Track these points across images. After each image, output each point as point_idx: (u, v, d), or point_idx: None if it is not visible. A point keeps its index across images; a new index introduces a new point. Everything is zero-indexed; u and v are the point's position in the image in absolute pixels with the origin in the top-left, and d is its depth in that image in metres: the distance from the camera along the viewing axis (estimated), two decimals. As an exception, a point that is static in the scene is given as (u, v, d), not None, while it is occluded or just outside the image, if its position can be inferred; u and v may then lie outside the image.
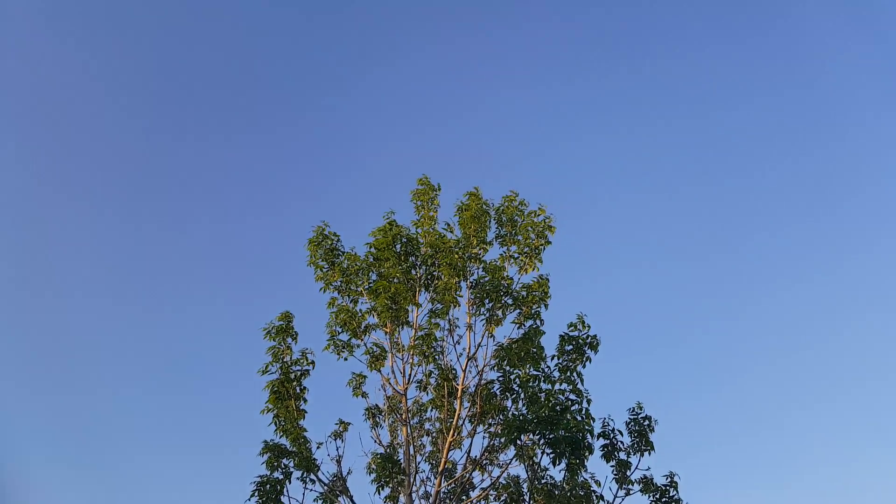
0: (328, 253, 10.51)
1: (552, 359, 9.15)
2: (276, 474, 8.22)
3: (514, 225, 10.31)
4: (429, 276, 10.52)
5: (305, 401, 9.01)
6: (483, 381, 9.34)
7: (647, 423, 8.98)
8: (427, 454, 9.45)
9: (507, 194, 10.56)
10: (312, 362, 9.40)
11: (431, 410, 9.59)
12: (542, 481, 8.41)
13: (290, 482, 8.29)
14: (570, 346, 9.20)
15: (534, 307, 9.75)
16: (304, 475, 8.32)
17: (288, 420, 8.58)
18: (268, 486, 8.15)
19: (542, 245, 10.18)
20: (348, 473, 8.75)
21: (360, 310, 10.12)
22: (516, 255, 10.23)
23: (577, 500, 8.18)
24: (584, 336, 9.22)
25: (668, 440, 9.31)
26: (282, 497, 8.26)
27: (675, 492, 8.45)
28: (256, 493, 8.12)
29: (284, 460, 8.31)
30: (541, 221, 10.24)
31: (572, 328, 9.32)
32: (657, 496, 8.47)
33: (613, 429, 8.91)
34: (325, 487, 8.54)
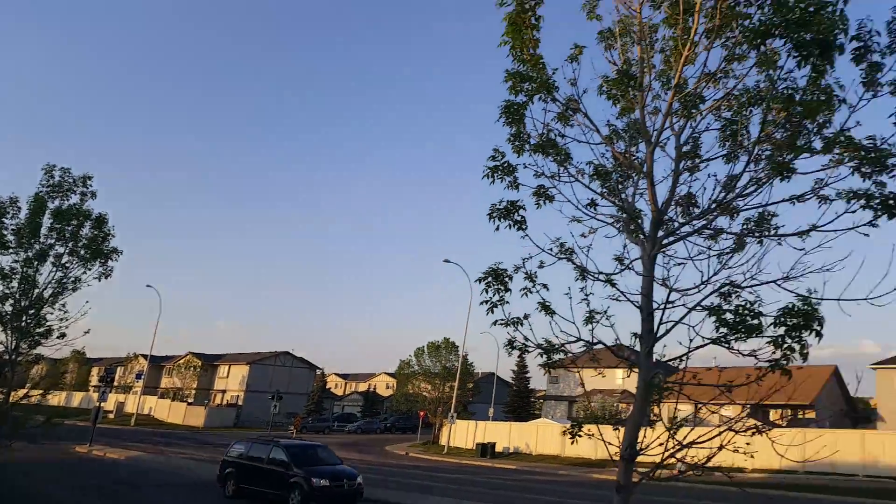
0: None
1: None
2: (519, 97, 9.29)
3: None
4: None
5: (539, 30, 9.39)
6: (723, -9, 8.79)
7: (912, 12, 8.06)
8: (657, 72, 9.67)
9: None
10: (543, -8, 9.51)
11: (663, 30, 9.48)
12: (784, 85, 8.34)
13: (532, 103, 9.20)
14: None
15: None
16: (544, 96, 9.24)
17: (524, 49, 9.20)
18: (512, 108, 9.19)
19: None
20: (583, 93, 9.46)
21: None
22: None
23: (817, 104, 8.19)
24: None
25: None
26: (525, 118, 9.27)
27: (934, 88, 7.96)
28: (503, 115, 9.31)
29: (525, 84, 9.23)
30: None
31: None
32: (911, 96, 8.09)
33: (871, 30, 8.25)
34: (562, 107, 9.45)
